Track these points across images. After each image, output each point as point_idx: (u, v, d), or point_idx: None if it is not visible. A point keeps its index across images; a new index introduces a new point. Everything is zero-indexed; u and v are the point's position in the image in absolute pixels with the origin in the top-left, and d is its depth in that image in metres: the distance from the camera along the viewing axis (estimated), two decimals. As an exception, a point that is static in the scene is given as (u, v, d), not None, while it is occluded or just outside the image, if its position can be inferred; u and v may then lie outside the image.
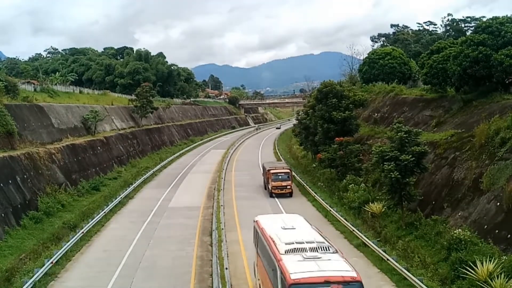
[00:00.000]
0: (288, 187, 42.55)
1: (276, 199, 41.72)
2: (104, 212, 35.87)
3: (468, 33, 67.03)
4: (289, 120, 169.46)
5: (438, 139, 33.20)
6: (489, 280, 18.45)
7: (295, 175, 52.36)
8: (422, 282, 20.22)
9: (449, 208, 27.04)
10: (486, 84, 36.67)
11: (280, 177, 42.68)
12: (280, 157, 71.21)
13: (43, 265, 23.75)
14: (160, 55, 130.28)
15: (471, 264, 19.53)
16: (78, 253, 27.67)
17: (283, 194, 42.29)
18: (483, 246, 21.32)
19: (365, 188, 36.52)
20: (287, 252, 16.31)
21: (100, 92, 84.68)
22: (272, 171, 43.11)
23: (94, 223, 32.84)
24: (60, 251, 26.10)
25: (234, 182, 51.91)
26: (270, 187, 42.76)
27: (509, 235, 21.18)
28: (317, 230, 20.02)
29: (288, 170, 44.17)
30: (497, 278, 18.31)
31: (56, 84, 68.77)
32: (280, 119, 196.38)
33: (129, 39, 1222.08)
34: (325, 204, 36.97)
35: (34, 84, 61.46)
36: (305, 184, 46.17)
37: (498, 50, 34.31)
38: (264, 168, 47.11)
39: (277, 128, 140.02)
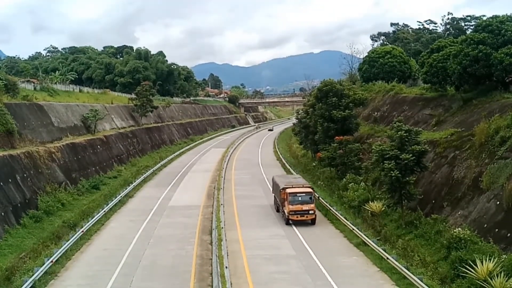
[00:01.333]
0: (311, 212, 32.62)
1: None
2: (104, 211, 35.88)
3: (468, 32, 67.05)
4: (288, 119, 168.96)
5: (438, 138, 33.21)
6: (489, 279, 18.48)
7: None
8: (422, 281, 20.24)
9: (449, 207, 27.06)
10: (486, 83, 36.67)
11: (300, 198, 32.69)
12: (280, 155, 71.16)
13: (43, 264, 23.76)
14: (160, 54, 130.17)
15: (471, 263, 19.57)
16: (78, 252, 27.68)
17: (303, 221, 32.66)
18: (483, 245, 21.35)
19: (365, 187, 36.55)
20: None
21: (100, 91, 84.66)
22: (288, 190, 33.13)
23: (94, 222, 32.86)
24: (60, 250, 26.11)
25: (234, 181, 51.94)
26: (286, 211, 32.79)
27: (509, 234, 21.20)
28: None
29: (310, 190, 34.04)
30: (497, 277, 18.34)
31: (56, 83, 68.70)
32: (280, 118, 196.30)
33: (129, 38, 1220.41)
34: (325, 203, 36.97)
35: (34, 83, 61.41)
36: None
37: (498, 48, 34.32)
38: (275, 185, 37.09)
39: (269, 130, 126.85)
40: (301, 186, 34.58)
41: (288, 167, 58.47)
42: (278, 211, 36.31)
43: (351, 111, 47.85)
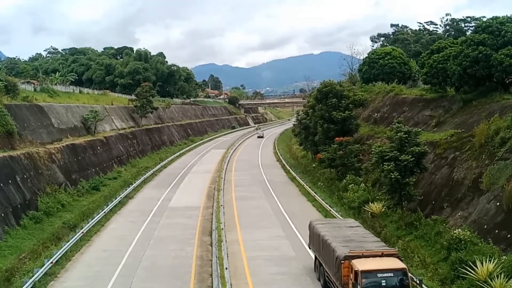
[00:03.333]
0: None
1: (280, 205, 40.71)
2: (104, 212, 35.88)
3: (468, 33, 67.02)
4: (289, 120, 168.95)
5: (438, 139, 33.19)
6: (489, 280, 18.45)
7: (295, 176, 52.27)
8: (422, 282, 20.22)
9: (449, 208, 27.04)
10: (486, 84, 36.64)
11: (384, 283, 17.42)
12: (280, 156, 71.00)
13: (43, 265, 23.77)
14: (160, 55, 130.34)
15: (471, 264, 19.55)
16: (78, 253, 27.69)
17: None
18: (483, 246, 21.32)
19: (365, 188, 36.53)
20: None
21: (100, 92, 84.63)
22: (360, 266, 17.74)
23: (94, 223, 32.85)
24: (60, 251, 26.12)
25: (234, 182, 51.89)
26: None
27: (509, 235, 21.18)
28: None
29: (402, 265, 18.14)
30: (497, 278, 18.31)
31: (56, 84, 68.71)
32: (280, 118, 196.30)
33: (130, 39, 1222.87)
34: (325, 204, 36.93)
35: (34, 84, 61.44)
36: (304, 184, 46.14)
37: (498, 50, 34.28)
38: (321, 242, 21.80)
39: (259, 137, 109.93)
40: (380, 254, 18.74)
41: (288, 168, 58.45)
42: (325, 286, 21.42)
43: (351, 112, 47.84)
